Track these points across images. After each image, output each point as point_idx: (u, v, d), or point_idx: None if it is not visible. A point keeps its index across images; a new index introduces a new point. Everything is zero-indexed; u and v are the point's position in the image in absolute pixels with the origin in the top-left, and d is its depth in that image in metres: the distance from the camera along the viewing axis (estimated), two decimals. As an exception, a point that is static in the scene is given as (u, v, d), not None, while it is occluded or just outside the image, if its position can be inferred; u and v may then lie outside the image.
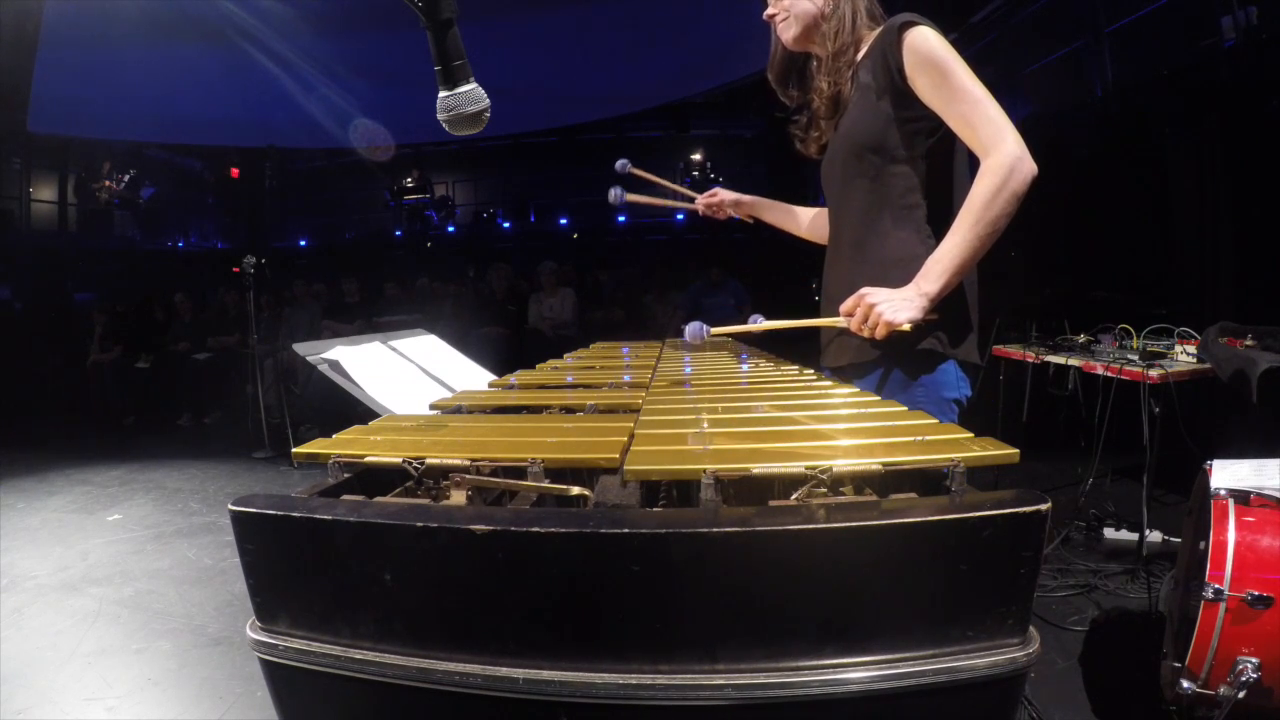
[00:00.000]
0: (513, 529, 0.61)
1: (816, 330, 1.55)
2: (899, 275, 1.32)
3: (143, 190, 9.74)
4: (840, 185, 1.48)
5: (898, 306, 1.24)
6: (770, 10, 1.51)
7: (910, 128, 1.35)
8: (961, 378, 1.40)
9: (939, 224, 1.35)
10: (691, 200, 1.93)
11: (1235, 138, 3.85)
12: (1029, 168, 1.23)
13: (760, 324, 1.40)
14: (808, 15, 1.46)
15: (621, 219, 10.93)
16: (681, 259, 8.23)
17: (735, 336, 1.69)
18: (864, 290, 1.28)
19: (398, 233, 10.79)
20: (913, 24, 1.32)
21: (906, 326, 1.23)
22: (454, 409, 1.22)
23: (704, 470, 0.74)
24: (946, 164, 1.38)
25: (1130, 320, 3.30)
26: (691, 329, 1.41)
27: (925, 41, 1.29)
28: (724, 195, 1.89)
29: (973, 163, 1.31)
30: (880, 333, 1.25)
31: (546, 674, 0.62)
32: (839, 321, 1.32)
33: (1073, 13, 5.41)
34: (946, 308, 1.32)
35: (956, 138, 1.34)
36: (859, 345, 1.40)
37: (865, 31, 1.45)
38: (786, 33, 1.49)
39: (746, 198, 1.88)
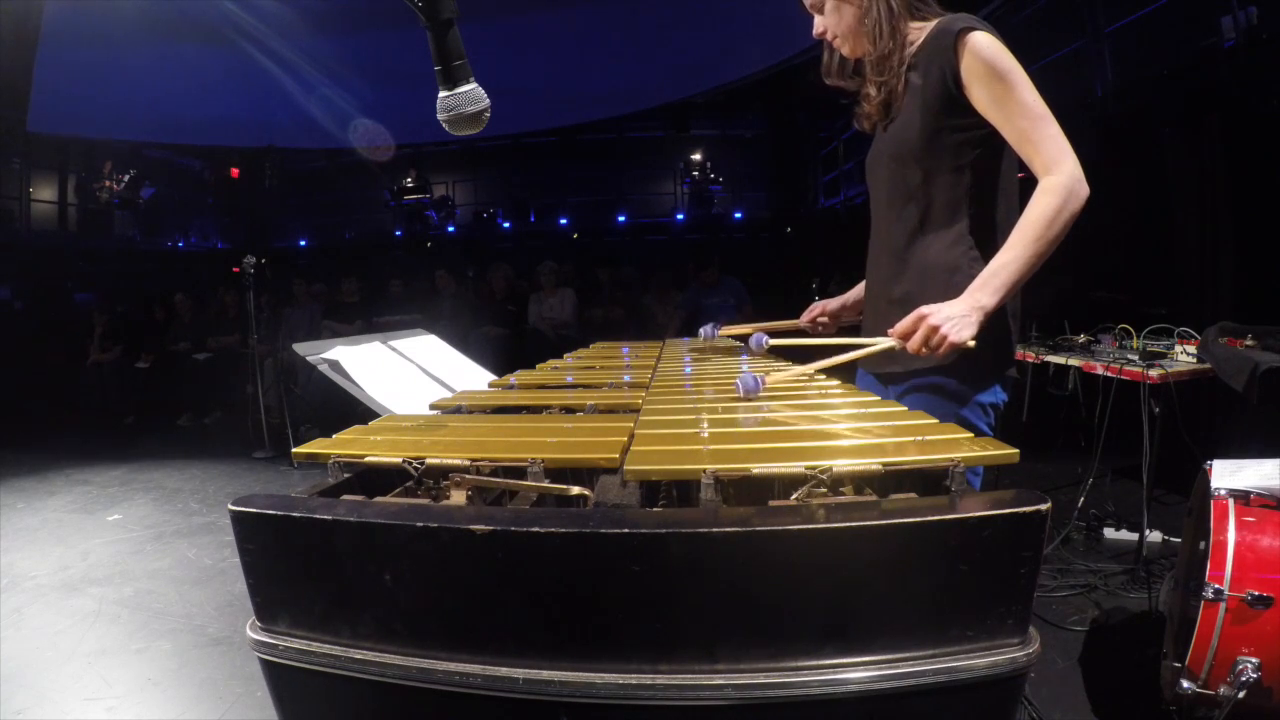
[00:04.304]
0: (513, 529, 0.61)
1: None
2: (938, 286, 1.30)
3: (143, 190, 9.73)
4: (885, 190, 1.45)
5: (959, 325, 1.19)
6: (818, 30, 1.47)
7: (959, 137, 1.31)
8: (1000, 387, 1.38)
9: (982, 236, 1.33)
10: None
11: (1235, 138, 3.85)
12: (1086, 191, 1.21)
13: (814, 365, 1.34)
14: (850, 29, 1.42)
15: (621, 219, 10.95)
16: (681, 259, 8.24)
17: (788, 350, 1.63)
18: (922, 310, 1.22)
19: (398, 233, 10.79)
20: (973, 28, 1.26)
21: (971, 344, 1.19)
22: (454, 409, 1.22)
23: (704, 470, 0.74)
24: (992, 176, 1.34)
25: (1130, 320, 3.29)
26: (745, 381, 1.25)
27: (986, 49, 1.24)
28: (827, 306, 1.79)
29: (1028, 181, 1.29)
30: (942, 352, 1.21)
31: (546, 674, 0.62)
32: (891, 344, 1.26)
33: (1073, 13, 5.41)
34: (989, 319, 1.29)
35: (1003, 150, 1.32)
36: (898, 352, 1.37)
37: (910, 29, 1.38)
38: (844, 49, 1.46)
39: (845, 301, 1.77)
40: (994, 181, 1.35)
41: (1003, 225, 1.32)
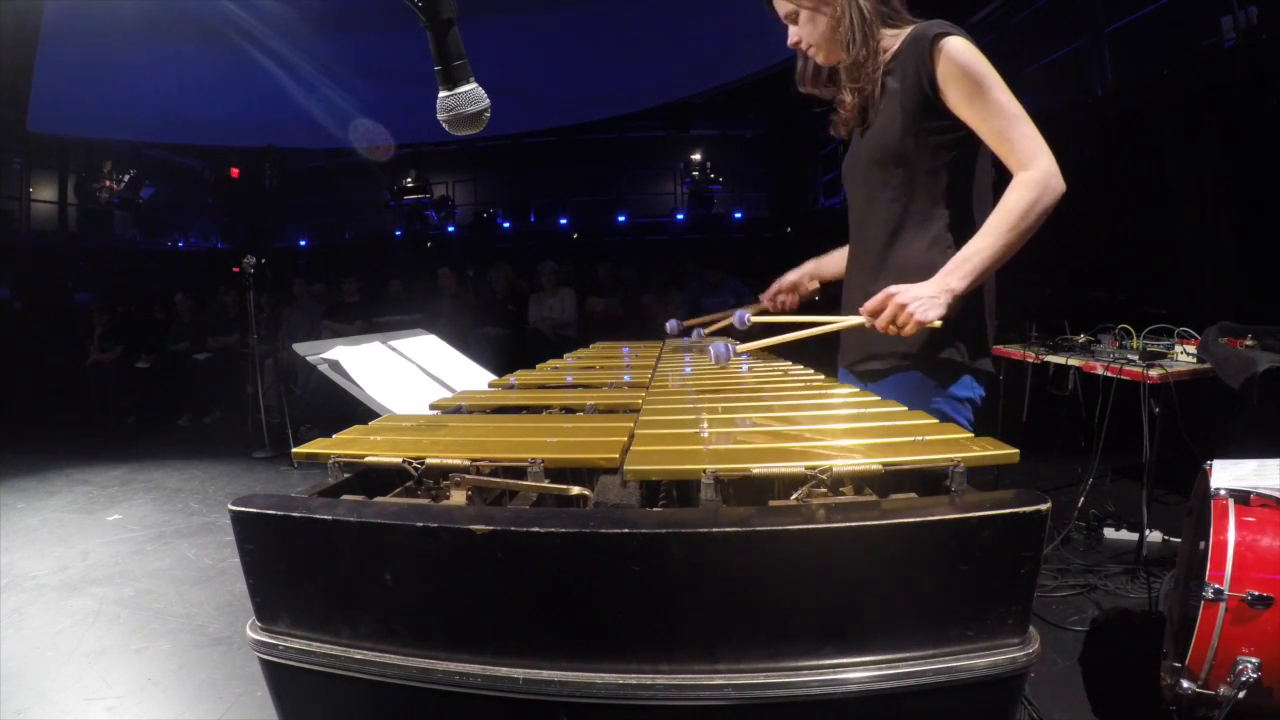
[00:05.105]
0: (513, 529, 0.61)
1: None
2: (918, 283, 1.32)
3: (143, 190, 9.73)
4: (864, 192, 1.48)
5: (926, 305, 1.23)
6: (792, 40, 1.50)
7: (936, 139, 1.35)
8: (975, 382, 1.42)
9: (959, 234, 1.36)
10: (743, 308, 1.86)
11: (1235, 137, 3.84)
12: (1061, 186, 1.25)
13: (782, 336, 1.40)
14: (825, 37, 1.45)
15: (621, 219, 10.95)
16: (681, 259, 8.24)
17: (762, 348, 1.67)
18: (890, 289, 1.26)
19: (398, 233, 10.78)
20: (947, 34, 1.31)
21: (937, 323, 1.23)
22: (454, 409, 1.22)
23: (704, 470, 0.74)
24: (967, 176, 1.39)
25: (1130, 320, 3.29)
26: (717, 349, 1.36)
27: (961, 53, 1.29)
28: (782, 283, 1.85)
29: (1001, 177, 1.32)
30: (909, 331, 1.24)
31: (546, 674, 0.62)
32: (861, 320, 1.30)
33: (1073, 13, 5.41)
34: (965, 314, 1.32)
35: (978, 151, 1.36)
36: (877, 349, 1.42)
37: (884, 35, 1.41)
38: (819, 57, 1.50)
39: (802, 271, 1.84)
40: (970, 182, 1.40)
41: (979, 225, 1.35)
